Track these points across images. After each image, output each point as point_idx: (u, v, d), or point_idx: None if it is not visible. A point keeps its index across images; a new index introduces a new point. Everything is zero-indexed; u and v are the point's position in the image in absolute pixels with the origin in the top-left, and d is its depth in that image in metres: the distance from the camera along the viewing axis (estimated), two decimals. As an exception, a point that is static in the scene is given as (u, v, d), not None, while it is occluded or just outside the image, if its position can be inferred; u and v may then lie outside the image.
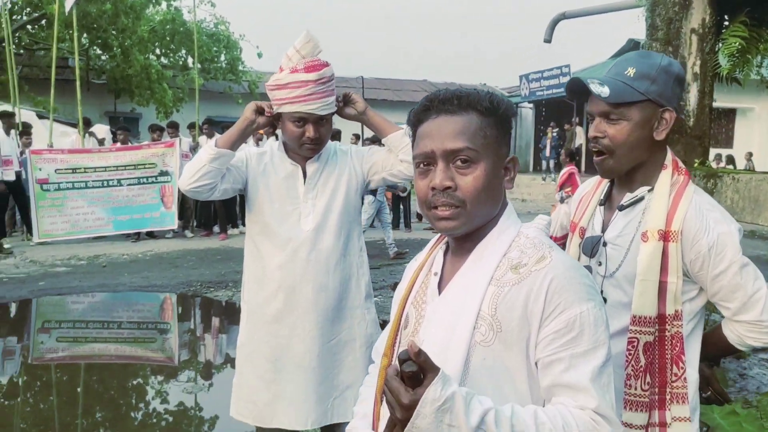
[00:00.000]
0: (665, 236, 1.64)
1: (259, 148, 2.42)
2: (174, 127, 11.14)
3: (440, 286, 1.32)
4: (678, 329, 1.65)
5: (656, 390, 1.66)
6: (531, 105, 24.58)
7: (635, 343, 1.66)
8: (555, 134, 20.43)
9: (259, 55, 23.29)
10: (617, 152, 1.69)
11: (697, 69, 4.34)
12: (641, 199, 1.73)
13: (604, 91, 1.65)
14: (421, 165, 1.28)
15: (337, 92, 2.31)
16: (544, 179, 20.35)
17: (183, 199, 10.70)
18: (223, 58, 21.96)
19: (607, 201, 1.84)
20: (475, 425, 1.05)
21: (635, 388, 1.66)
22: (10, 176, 10.19)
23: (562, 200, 9.55)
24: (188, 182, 2.21)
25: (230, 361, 5.53)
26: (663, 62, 1.69)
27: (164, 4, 19.99)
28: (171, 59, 21.45)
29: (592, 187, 1.94)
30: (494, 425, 1.07)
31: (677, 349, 1.65)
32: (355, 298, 2.38)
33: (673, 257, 1.63)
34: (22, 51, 18.54)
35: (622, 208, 1.76)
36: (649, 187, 1.73)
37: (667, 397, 1.66)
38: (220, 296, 7.17)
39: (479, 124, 1.25)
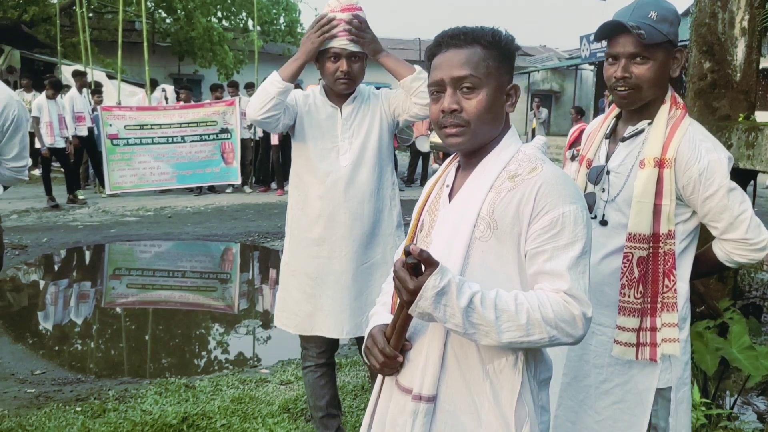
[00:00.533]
0: (660, 163, 1.83)
1: (303, 91, 2.66)
2: (234, 87, 11.51)
3: (450, 196, 1.54)
4: (671, 247, 1.84)
5: (648, 299, 1.86)
6: (592, 67, 24.02)
7: (630, 258, 1.86)
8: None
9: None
10: (643, 89, 1.86)
11: (745, 24, 4.29)
12: (642, 131, 1.91)
13: (642, 33, 1.79)
14: (434, 92, 1.49)
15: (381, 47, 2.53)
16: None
17: (242, 157, 11.12)
18: (282, 20, 22.24)
19: (612, 134, 2.02)
20: (464, 305, 1.28)
21: (628, 297, 1.87)
22: (83, 132, 10.81)
23: (573, 158, 9.54)
24: (258, 113, 2.45)
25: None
26: (673, 7, 1.86)
27: (226, -33, 20.36)
28: (232, 22, 21.88)
29: (599, 123, 2.12)
30: (480, 304, 1.29)
31: (669, 264, 1.84)
32: (387, 226, 2.63)
33: (667, 182, 1.82)
34: (90, 14, 19.28)
35: (623, 139, 1.95)
36: (649, 121, 1.91)
37: (658, 305, 1.86)
38: (276, 246, 7.55)
39: (482, 56, 1.42)
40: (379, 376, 1.54)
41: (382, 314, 1.59)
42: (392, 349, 1.44)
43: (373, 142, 2.57)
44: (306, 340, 2.70)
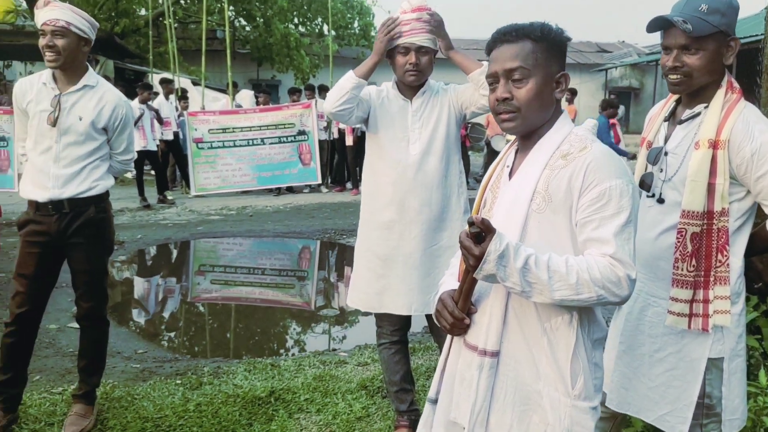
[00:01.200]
0: (715, 144, 1.94)
1: (377, 87, 2.91)
2: (311, 90, 11.93)
3: (510, 175, 1.73)
4: (724, 224, 1.96)
5: (702, 273, 1.99)
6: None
7: (684, 233, 1.99)
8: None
9: (391, 20, 23.59)
10: (694, 77, 1.99)
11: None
12: (698, 114, 2.04)
13: (688, 27, 1.92)
14: (491, 83, 1.68)
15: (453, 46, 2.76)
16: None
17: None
18: (356, 24, 22.69)
19: (672, 117, 2.16)
20: (520, 266, 1.47)
21: (681, 270, 2.01)
22: (169, 136, 11.45)
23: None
24: (333, 106, 2.73)
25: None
26: None
27: (302, -26, 20.98)
28: (308, 27, 22.50)
29: (659, 107, 2.27)
30: (534, 265, 1.48)
31: (723, 239, 1.96)
32: (454, 212, 2.83)
33: (720, 162, 1.93)
34: (176, 25, 20.32)
35: (681, 122, 2.09)
36: (705, 104, 2.03)
37: (711, 279, 1.98)
38: (351, 242, 7.85)
39: (531, 48, 1.60)
40: (448, 337, 1.75)
41: (449, 282, 1.79)
42: (460, 311, 1.65)
43: (441, 132, 2.78)
44: (380, 318, 2.93)
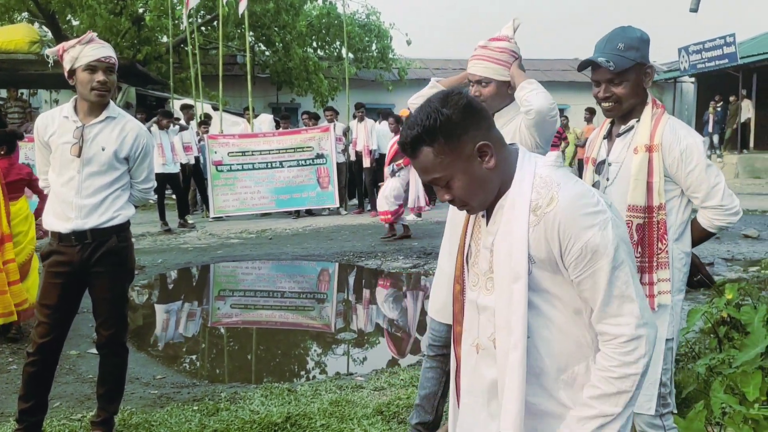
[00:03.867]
0: (650, 148, 2.33)
1: None
2: (332, 111, 12.03)
3: (488, 221, 1.63)
4: (662, 217, 2.32)
5: (646, 259, 2.33)
6: (692, 79, 23.15)
7: (630, 225, 2.33)
8: (719, 108, 19.14)
9: (408, 43, 23.63)
10: (623, 102, 2.38)
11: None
12: (632, 127, 2.42)
13: (611, 65, 2.30)
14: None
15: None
16: (709, 156, 19.14)
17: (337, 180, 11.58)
18: (374, 47, 22.87)
19: (609, 135, 2.55)
20: None
21: None
22: (190, 160, 11.60)
23: (393, 173, 8.88)
24: (412, 99, 2.86)
25: (379, 316, 6.18)
26: (638, 34, 2.37)
27: (320, 0, 21.26)
28: (326, 51, 22.74)
29: (597, 131, 2.67)
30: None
31: (662, 230, 2.33)
32: None
33: (656, 163, 2.32)
34: (196, 51, 20.69)
35: (619, 135, 2.46)
36: (636, 119, 2.41)
37: (654, 263, 2.33)
38: (371, 264, 7.85)
39: (432, 154, 1.50)
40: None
41: None
42: None
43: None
44: (429, 324, 2.90)
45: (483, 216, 1.65)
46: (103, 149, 3.03)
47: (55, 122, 3.06)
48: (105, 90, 2.99)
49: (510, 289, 1.53)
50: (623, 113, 2.41)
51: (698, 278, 2.52)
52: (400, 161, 8.78)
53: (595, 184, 2.48)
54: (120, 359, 3.23)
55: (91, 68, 2.95)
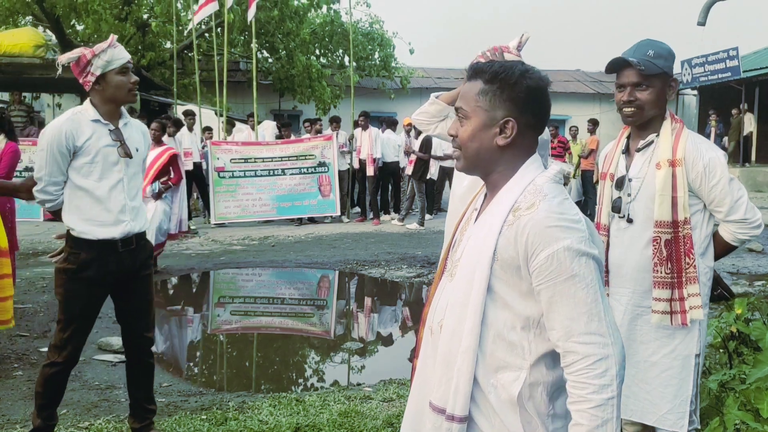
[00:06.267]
0: (673, 163, 2.33)
1: None
2: (336, 121, 12.06)
3: (477, 218, 1.67)
4: (688, 231, 2.33)
5: (675, 274, 2.33)
6: (695, 92, 23.20)
7: (658, 240, 2.34)
8: (719, 121, 19.18)
9: (411, 52, 23.64)
10: (645, 109, 2.37)
11: None
12: (652, 142, 2.42)
13: (641, 67, 2.30)
14: None
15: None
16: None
17: (339, 188, 11.59)
18: (377, 55, 22.91)
19: (627, 151, 2.52)
20: None
21: (660, 272, 2.32)
22: (188, 166, 11.52)
23: (156, 195, 7.03)
24: (415, 115, 3.00)
25: (384, 325, 6.16)
26: (667, 46, 2.39)
27: (324, 8, 21.30)
28: (329, 58, 22.77)
29: (613, 145, 2.63)
30: None
31: (688, 245, 2.33)
32: None
33: (680, 177, 2.32)
34: (200, 57, 20.71)
35: (638, 150, 2.45)
36: (656, 133, 2.41)
37: (684, 279, 2.33)
38: (373, 273, 7.84)
39: (478, 90, 1.58)
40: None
41: None
42: None
43: None
44: None
45: (476, 210, 1.70)
46: (137, 150, 3.07)
47: (85, 127, 2.94)
48: (136, 91, 3.05)
49: (471, 276, 1.56)
50: (642, 122, 2.41)
51: (718, 292, 2.53)
52: (165, 178, 7.20)
53: (617, 201, 2.47)
54: (153, 359, 3.31)
55: (124, 70, 2.98)
